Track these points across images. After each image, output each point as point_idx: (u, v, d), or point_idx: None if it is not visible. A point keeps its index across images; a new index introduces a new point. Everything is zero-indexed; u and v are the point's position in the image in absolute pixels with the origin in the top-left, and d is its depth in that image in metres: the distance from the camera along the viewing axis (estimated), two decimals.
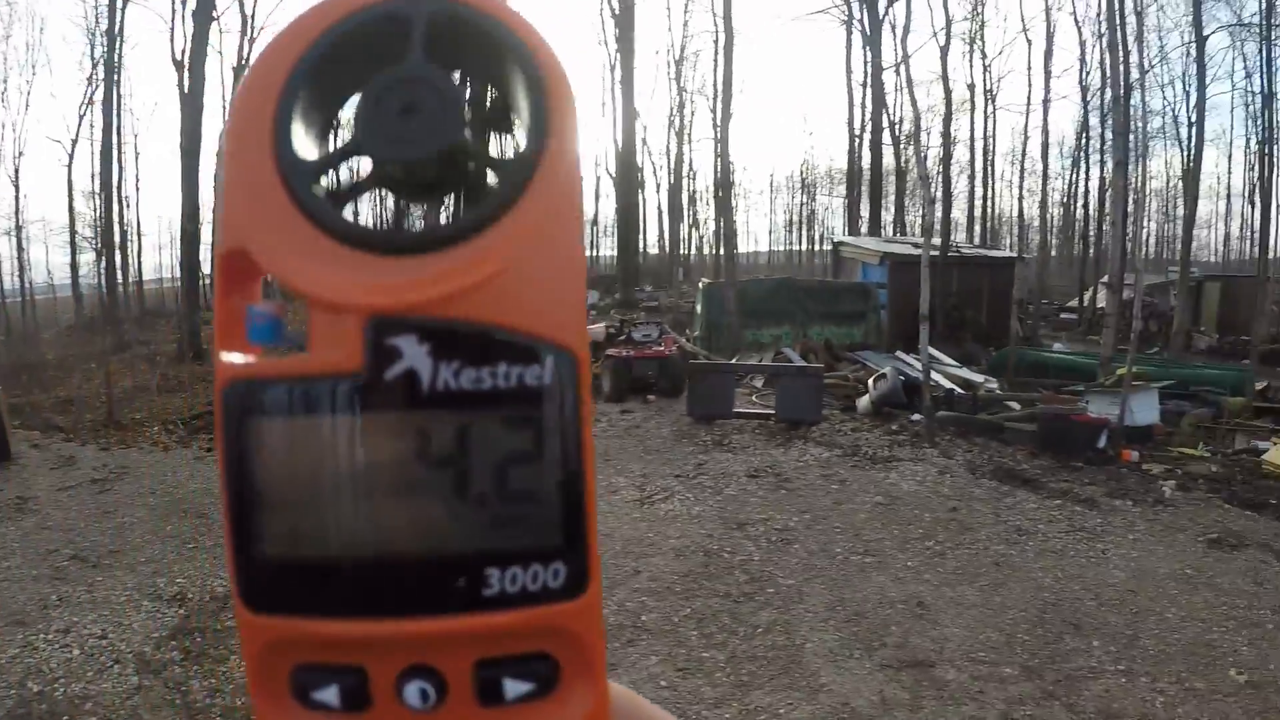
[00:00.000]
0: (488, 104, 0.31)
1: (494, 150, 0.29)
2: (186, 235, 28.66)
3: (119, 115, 39.57)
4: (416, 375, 0.28)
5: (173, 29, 36.65)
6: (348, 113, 0.30)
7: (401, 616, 0.29)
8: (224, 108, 37.31)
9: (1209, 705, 6.14)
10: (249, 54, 38.46)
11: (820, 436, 13.72)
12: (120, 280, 41.46)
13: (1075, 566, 8.60)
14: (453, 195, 0.30)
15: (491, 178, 0.29)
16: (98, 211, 38.49)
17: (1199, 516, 10.10)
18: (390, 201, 0.30)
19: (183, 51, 32.49)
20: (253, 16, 38.55)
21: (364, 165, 0.29)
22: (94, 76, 40.59)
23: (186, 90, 29.22)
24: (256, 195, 0.28)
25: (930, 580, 8.27)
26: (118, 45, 38.00)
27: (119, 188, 40.53)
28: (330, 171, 0.29)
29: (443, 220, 0.30)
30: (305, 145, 0.29)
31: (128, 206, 46.25)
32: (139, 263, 53.02)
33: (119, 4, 37.04)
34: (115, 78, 38.04)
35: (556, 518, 0.29)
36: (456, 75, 0.30)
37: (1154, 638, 7.15)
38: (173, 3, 36.84)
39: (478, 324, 0.28)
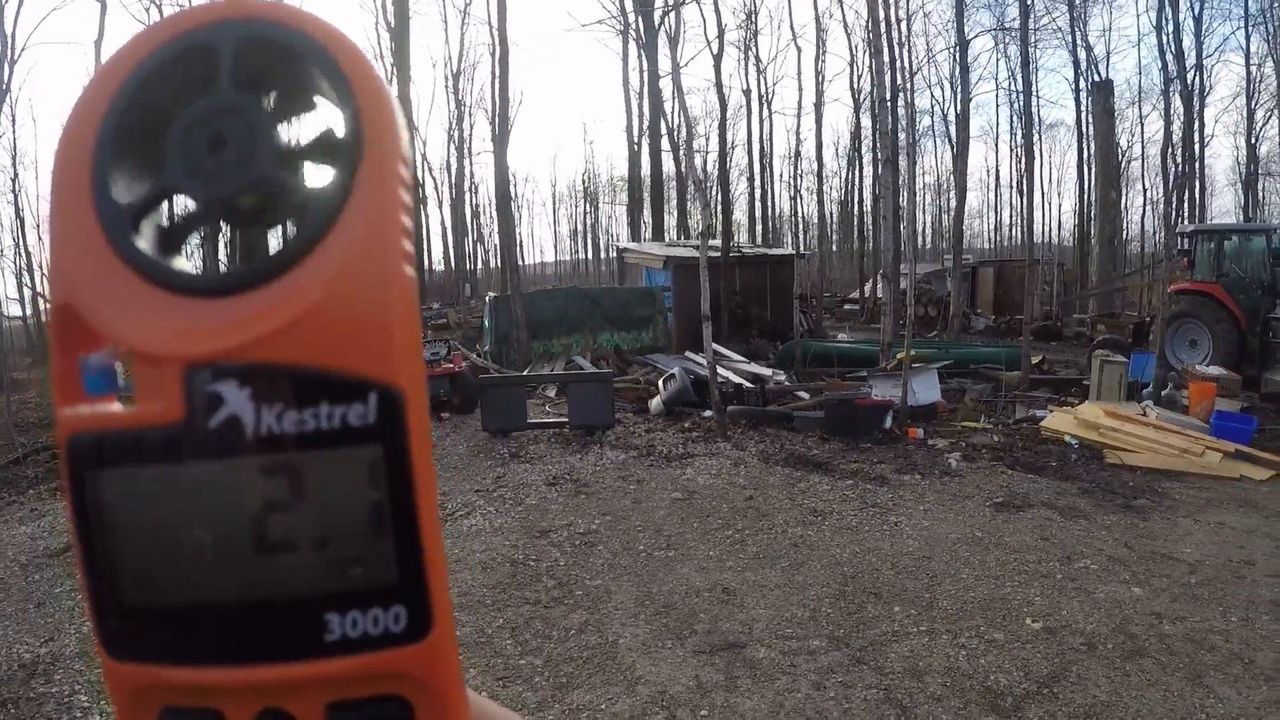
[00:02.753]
0: (301, 127, 0.29)
1: (309, 179, 0.28)
2: None
3: None
4: (239, 421, 0.27)
5: None
6: (169, 155, 0.29)
7: (249, 663, 0.29)
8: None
9: (1009, 653, 6.29)
10: (8, 78, 36.35)
11: (615, 440, 13.65)
12: None
13: (871, 540, 8.74)
14: (277, 226, 0.28)
15: (308, 206, 0.28)
16: None
17: (984, 483, 10.46)
18: (231, 237, 0.28)
19: None
20: (13, 36, 36.18)
21: (187, 204, 0.28)
22: None
23: None
24: (79, 247, 0.28)
25: (733, 567, 8.25)
26: None
27: None
28: (151, 215, 0.28)
29: (263, 256, 0.28)
30: (128, 190, 0.28)
31: None
32: None
33: None
34: None
35: (392, 559, 0.28)
36: (271, 99, 0.29)
37: (951, 598, 7.31)
38: None
39: (295, 366, 0.27)
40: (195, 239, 0.28)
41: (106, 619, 0.30)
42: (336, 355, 0.27)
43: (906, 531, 8.95)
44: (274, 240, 0.28)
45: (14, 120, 48.50)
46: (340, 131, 0.28)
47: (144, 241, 0.28)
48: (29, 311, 51.11)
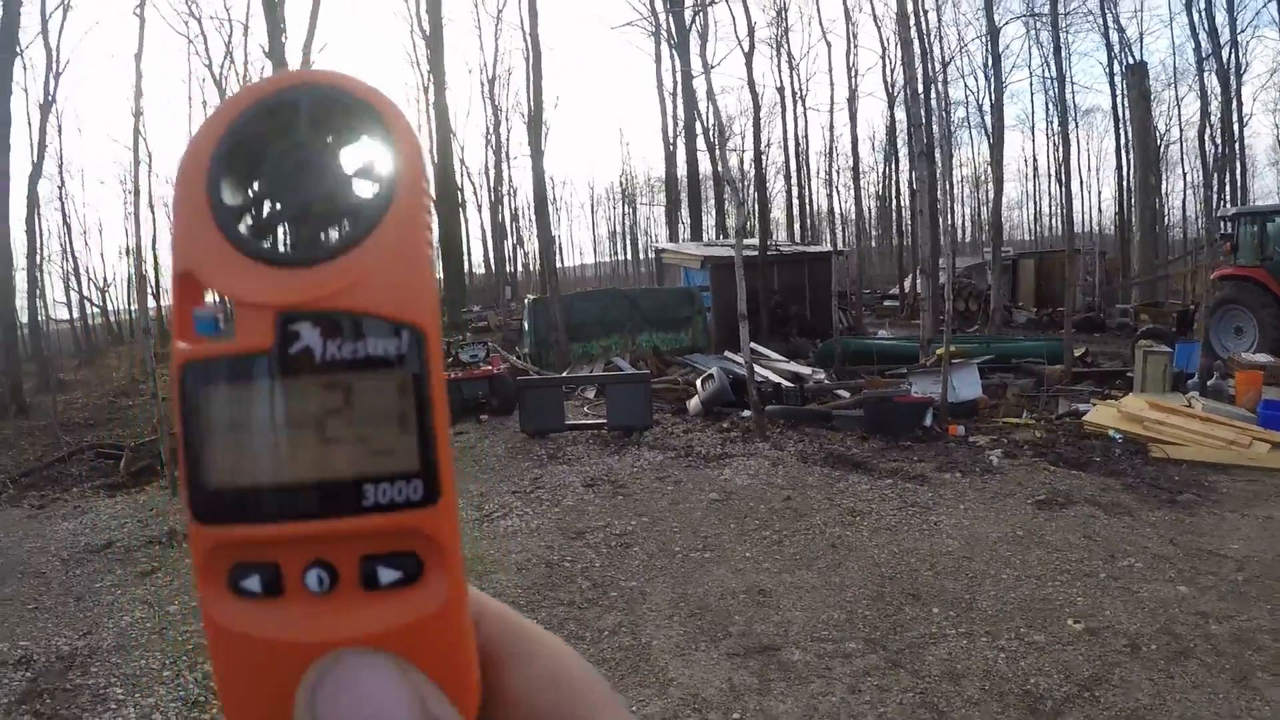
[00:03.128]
0: (356, 158, 0.41)
1: (360, 192, 0.40)
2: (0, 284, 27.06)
3: None
4: (310, 350, 0.38)
5: None
6: (261, 174, 0.41)
7: (304, 520, 0.39)
8: (31, 148, 35.52)
9: (1049, 655, 6.16)
10: (55, 90, 36.66)
11: (653, 441, 13.59)
12: None
13: (910, 540, 8.62)
14: (338, 224, 0.40)
15: (359, 214, 0.40)
16: None
17: (1026, 480, 10.30)
18: (298, 229, 0.41)
19: None
20: (57, 49, 36.62)
21: (276, 206, 0.41)
22: None
23: None
24: (197, 233, 0.40)
25: (769, 568, 8.17)
26: None
27: None
28: (250, 212, 0.40)
29: (328, 242, 0.40)
30: (232, 195, 0.40)
31: None
32: None
33: None
34: None
35: (414, 449, 0.39)
36: (332, 138, 0.41)
37: (991, 599, 7.19)
38: None
39: (352, 312, 0.38)
40: (280, 231, 0.40)
41: (196, 494, 0.40)
42: (380, 305, 0.38)
43: (946, 531, 8.82)
44: (334, 234, 0.40)
45: (60, 130, 49.40)
46: (383, 160, 0.40)
47: (244, 230, 0.40)
48: (76, 315, 51.96)
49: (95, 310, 54.07)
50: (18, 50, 29.66)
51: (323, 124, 0.41)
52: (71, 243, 54.48)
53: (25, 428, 21.86)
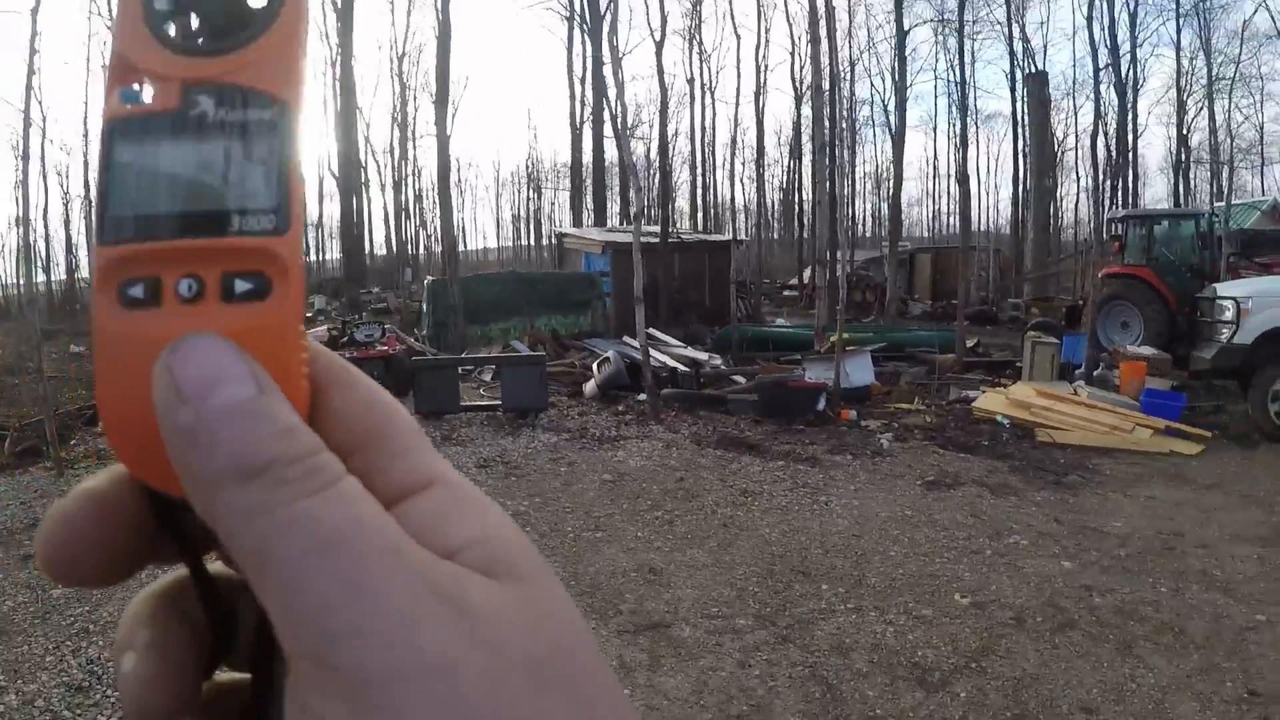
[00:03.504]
0: None
1: (257, 6, 0.46)
2: None
3: None
4: (205, 113, 0.45)
5: None
6: None
7: (183, 239, 0.45)
8: None
9: (937, 628, 6.20)
10: None
11: (548, 423, 13.48)
12: None
13: (800, 520, 8.64)
14: (238, 29, 0.46)
15: (255, 21, 0.46)
16: None
17: (916, 463, 10.41)
18: (207, 31, 0.47)
19: None
20: None
21: (192, 14, 0.47)
22: None
23: None
24: (130, 27, 0.46)
25: (661, 547, 8.12)
26: None
27: None
28: (172, 19, 0.46)
29: (228, 39, 0.47)
30: (160, 3, 0.46)
31: None
32: None
33: None
34: None
35: (274, 190, 0.45)
36: None
37: (880, 575, 7.22)
38: None
39: (240, 86, 0.45)
40: (193, 32, 0.46)
41: (102, 221, 0.45)
42: (261, 84, 0.45)
43: (837, 511, 8.86)
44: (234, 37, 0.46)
45: None
46: None
47: (168, 29, 0.46)
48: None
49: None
50: None
51: None
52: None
53: None
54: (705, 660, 5.92)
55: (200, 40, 0.46)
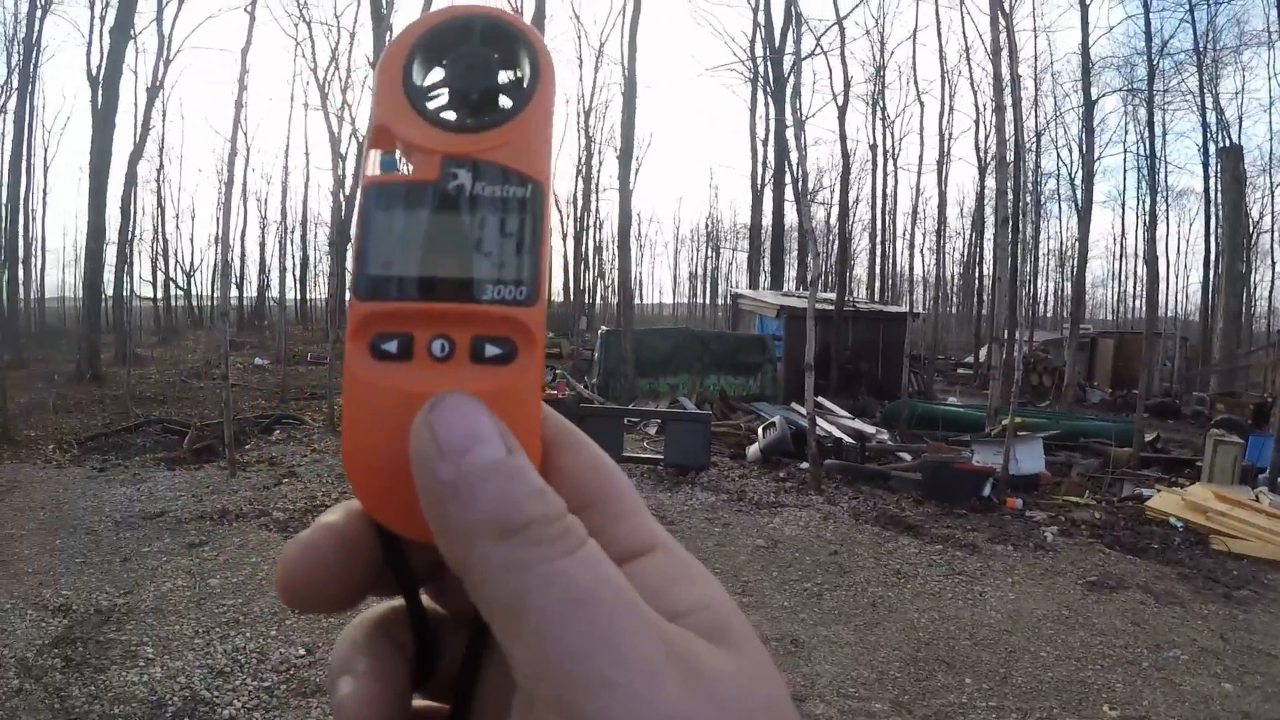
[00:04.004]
0: (512, 67, 0.53)
1: (511, 90, 0.52)
2: (90, 254, 27.71)
3: (31, 128, 38.11)
4: (463, 186, 0.50)
5: (89, 43, 35.36)
6: (441, 67, 0.54)
7: (438, 303, 0.50)
8: (135, 129, 36.44)
9: None
10: (163, 76, 37.61)
11: (708, 483, 13.54)
12: (21, 296, 39.84)
13: (952, 608, 8.48)
14: (493, 109, 0.52)
15: (508, 102, 0.52)
16: (3, 224, 36.80)
17: (1079, 560, 10.08)
18: (464, 109, 0.53)
19: (98, 67, 31.11)
20: (170, 37, 37.63)
21: (450, 91, 0.53)
22: (8, 85, 38.94)
23: (99, 108, 28.32)
24: (392, 99, 0.52)
25: (806, 620, 8.08)
26: (34, 55, 36.40)
27: (26, 201, 38.97)
28: (432, 94, 0.52)
29: (485, 119, 0.52)
30: (419, 77, 0.53)
31: (33, 220, 44.89)
32: (41, 280, 51.80)
33: (38, 13, 35.45)
34: (30, 88, 36.46)
35: (525, 264, 0.50)
36: (496, 53, 0.53)
37: (1027, 675, 7.03)
38: (91, 16, 35.62)
39: (496, 163, 0.50)
40: (451, 109, 0.51)
41: (361, 279, 0.50)
42: (516, 162, 0.50)
43: (990, 602, 8.66)
44: (489, 116, 0.51)
45: (164, 115, 50.72)
46: (529, 70, 0.52)
47: (427, 103, 0.51)
48: (160, 295, 53.04)
49: (179, 292, 55.38)
50: (132, 34, 30.54)
51: (490, 42, 0.53)
52: (164, 225, 56.10)
53: (98, 395, 22.54)
54: None
55: (458, 116, 0.51)
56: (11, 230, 36.47)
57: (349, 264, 0.58)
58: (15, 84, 36.96)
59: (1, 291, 34.82)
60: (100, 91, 28.75)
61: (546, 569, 0.41)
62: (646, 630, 0.40)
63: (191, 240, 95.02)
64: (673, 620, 0.43)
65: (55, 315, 51.60)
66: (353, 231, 0.54)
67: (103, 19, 32.70)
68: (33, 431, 17.05)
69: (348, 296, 0.54)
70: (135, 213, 39.48)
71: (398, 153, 0.53)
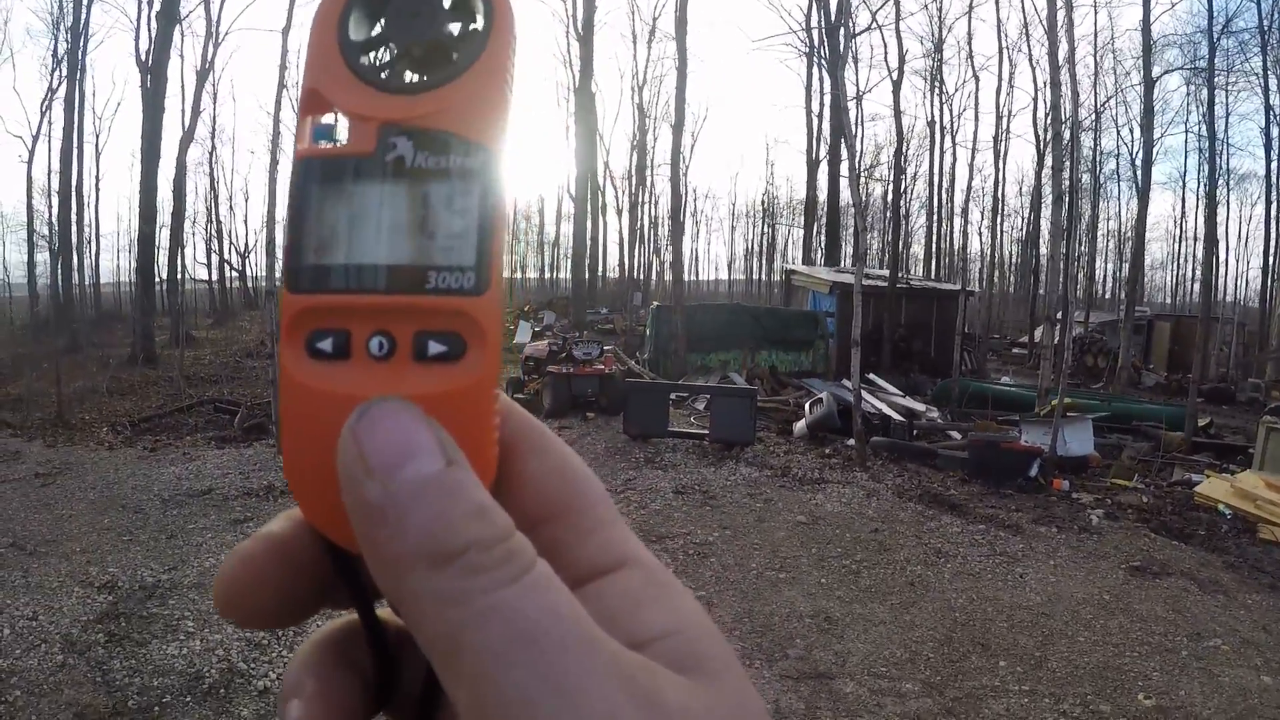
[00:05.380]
0: (460, 18, 0.48)
1: (460, 43, 0.47)
2: (143, 238, 28.27)
3: (81, 113, 38.57)
4: (403, 157, 0.45)
5: (138, 29, 35.54)
6: (382, 19, 0.49)
7: (376, 295, 0.46)
8: (183, 113, 36.90)
9: None
10: (212, 58, 38.01)
11: (752, 458, 13.54)
12: (76, 281, 40.62)
13: (991, 589, 8.43)
14: (439, 65, 0.47)
15: (457, 57, 0.47)
16: (55, 210, 37.43)
17: (1124, 544, 9.97)
18: (406, 66, 0.48)
19: (147, 52, 31.66)
20: (218, 21, 38.01)
21: (391, 46, 0.48)
22: (58, 72, 39.45)
23: (148, 92, 28.70)
24: (325, 59, 0.48)
25: (841, 597, 8.07)
26: (82, 41, 36.85)
27: (78, 187, 39.41)
28: (369, 48, 0.48)
29: (429, 77, 0.48)
30: (355, 33, 0.48)
31: (86, 206, 45.57)
32: (96, 264, 52.65)
33: (84, 0, 35.94)
34: (79, 75, 36.91)
35: (473, 247, 0.45)
36: (444, 1, 0.48)
37: (1063, 660, 6.98)
38: (139, 2, 35.68)
39: (440, 130, 0.45)
40: (391, 66, 0.47)
41: (293, 268, 0.46)
42: (462, 128, 0.45)
43: (1030, 584, 8.59)
44: (435, 73, 0.47)
45: (215, 98, 51.30)
46: (481, 22, 0.47)
47: (364, 61, 0.47)
48: (215, 277, 53.74)
49: (234, 274, 56.04)
50: (179, 17, 30.85)
51: None
52: (217, 207, 56.71)
53: (152, 376, 23.00)
54: (863, 719, 5.88)
55: (399, 75, 0.47)
56: (64, 217, 37.26)
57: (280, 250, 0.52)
58: (64, 71, 37.73)
59: (56, 278, 35.58)
60: (149, 76, 29.35)
61: (485, 601, 0.37)
62: (601, 668, 0.36)
63: (246, 221, 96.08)
64: (637, 649, 0.39)
65: (110, 300, 52.81)
66: (284, 214, 0.50)
67: (150, 4, 33.08)
68: (87, 415, 17.48)
69: (279, 288, 0.50)
70: (188, 196, 39.93)
71: (333, 121, 0.49)
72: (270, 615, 0.47)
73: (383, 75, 0.47)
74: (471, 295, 0.45)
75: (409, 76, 0.47)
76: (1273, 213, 39.26)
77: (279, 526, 0.47)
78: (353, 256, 0.46)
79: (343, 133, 0.47)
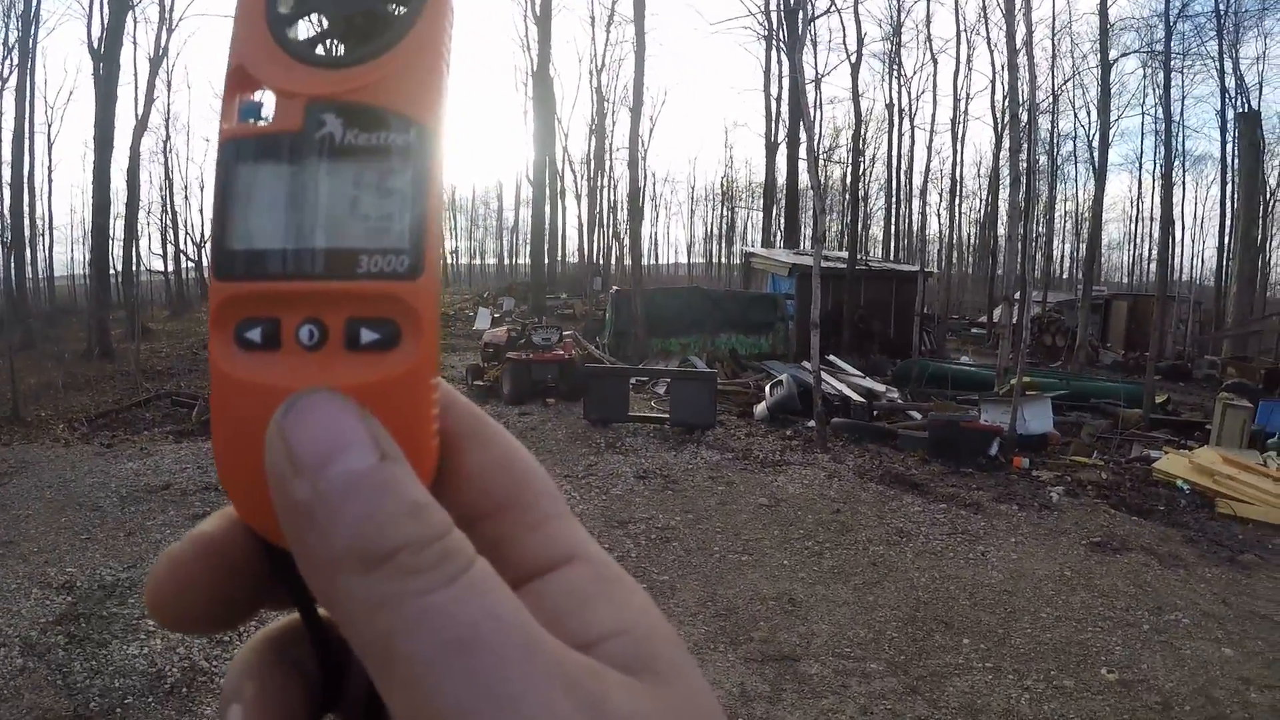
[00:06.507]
0: None
1: (391, 14, 0.45)
2: (97, 229, 27.96)
3: (32, 103, 37.76)
4: (332, 135, 0.43)
5: (90, 15, 34.68)
6: None
7: (305, 281, 0.43)
8: (136, 100, 36.40)
9: (1075, 702, 5.96)
10: (166, 44, 37.54)
11: (713, 441, 13.52)
12: (30, 275, 39.95)
13: (953, 567, 8.44)
14: (370, 37, 0.45)
15: (390, 27, 0.45)
16: (8, 203, 36.86)
17: (1084, 521, 10.02)
18: (335, 38, 0.46)
19: (99, 39, 31.15)
20: (171, 7, 37.54)
21: (319, 19, 0.46)
22: (8, 61, 38.74)
23: (100, 80, 28.32)
24: (251, 34, 0.45)
25: (804, 578, 8.05)
26: (33, 29, 35.93)
27: (30, 178, 38.73)
28: (297, 21, 0.45)
29: (359, 50, 0.45)
30: (283, 5, 0.45)
31: (39, 198, 44.99)
32: (50, 257, 52.00)
33: None
34: (29, 64, 36.04)
35: (406, 229, 0.43)
36: None
37: (1025, 637, 6.99)
38: None
39: (371, 105, 0.43)
40: (319, 39, 0.45)
41: (220, 254, 0.44)
42: (395, 103, 0.43)
43: (992, 562, 8.61)
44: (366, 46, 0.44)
45: (169, 85, 50.73)
46: None
47: (292, 34, 0.44)
48: (170, 268, 53.26)
49: (190, 264, 55.50)
50: (132, 3, 30.47)
51: None
52: (172, 197, 55.98)
53: (108, 371, 22.77)
54: (827, 700, 5.86)
55: (329, 49, 0.45)
56: (17, 209, 36.47)
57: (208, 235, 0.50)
58: (15, 59, 36.82)
59: (9, 272, 35.10)
60: (101, 63, 28.96)
61: (418, 605, 0.35)
62: (543, 672, 0.34)
63: (201, 211, 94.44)
64: (584, 650, 0.37)
65: (65, 293, 52.26)
66: (211, 197, 0.47)
67: None
68: (43, 411, 17.22)
69: (206, 275, 0.47)
70: (142, 185, 39.35)
71: (260, 98, 0.46)
72: (205, 619, 0.45)
73: (311, 49, 0.45)
74: (406, 279, 0.43)
75: (339, 50, 0.45)
76: (1228, 193, 39.82)
77: (211, 526, 0.45)
78: (280, 241, 0.44)
79: (270, 110, 0.45)
